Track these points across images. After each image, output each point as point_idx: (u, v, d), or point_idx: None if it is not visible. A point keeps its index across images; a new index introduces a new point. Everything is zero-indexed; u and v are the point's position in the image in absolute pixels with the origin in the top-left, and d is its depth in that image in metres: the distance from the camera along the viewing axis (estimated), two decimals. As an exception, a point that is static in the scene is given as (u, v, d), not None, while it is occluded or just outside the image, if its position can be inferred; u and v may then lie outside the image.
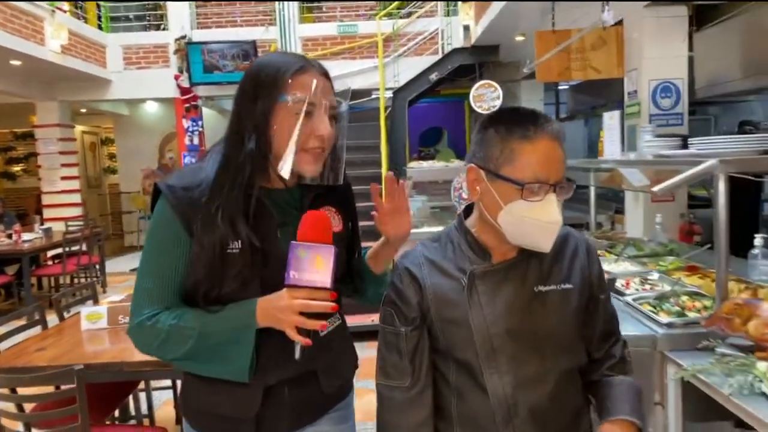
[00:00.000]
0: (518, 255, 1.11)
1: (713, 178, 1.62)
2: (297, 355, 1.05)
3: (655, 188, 1.57)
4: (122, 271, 7.96)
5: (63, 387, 1.95)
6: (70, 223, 6.99)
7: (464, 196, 4.25)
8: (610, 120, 2.60)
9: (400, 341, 1.11)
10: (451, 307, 1.09)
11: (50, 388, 2.22)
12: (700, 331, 1.64)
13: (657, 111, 4.18)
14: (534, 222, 1.02)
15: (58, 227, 6.83)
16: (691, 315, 1.73)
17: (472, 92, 6.29)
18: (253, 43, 7.61)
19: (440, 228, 4.50)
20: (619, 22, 4.40)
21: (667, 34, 4.13)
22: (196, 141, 7.90)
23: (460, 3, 7.16)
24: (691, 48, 4.17)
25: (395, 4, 7.89)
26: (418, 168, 4.49)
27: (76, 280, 6.23)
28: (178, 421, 2.87)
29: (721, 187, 1.59)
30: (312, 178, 1.12)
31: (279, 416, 1.17)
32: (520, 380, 1.07)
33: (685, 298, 1.88)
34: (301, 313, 1.01)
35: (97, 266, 6.56)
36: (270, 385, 1.14)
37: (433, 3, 7.69)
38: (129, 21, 8.44)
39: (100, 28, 7.88)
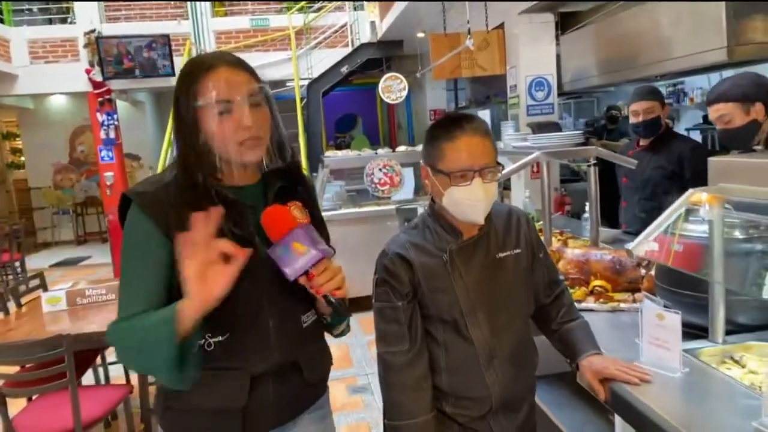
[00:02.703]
0: (480, 231, 1.36)
1: (546, 162, 2.30)
2: (341, 312, 1.15)
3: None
4: (41, 267, 7.92)
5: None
6: (-18, 222, 6.91)
7: (375, 180, 4.84)
8: (483, 118, 3.26)
9: (398, 313, 1.32)
10: (437, 279, 1.32)
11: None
12: (535, 272, 2.32)
13: (533, 102, 4.98)
14: (464, 202, 1.27)
15: (-30, 227, 6.75)
16: (531, 262, 2.42)
17: (381, 84, 6.83)
18: (167, 36, 7.74)
19: (356, 209, 5.08)
20: (501, 26, 5.13)
21: (539, 37, 4.91)
22: (112, 134, 7.93)
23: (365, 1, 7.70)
24: (558, 49, 4.97)
25: (305, 1, 8.30)
26: (334, 157, 5.01)
27: (-2, 278, 6.25)
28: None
29: (544, 168, 2.27)
30: (261, 165, 1.17)
31: (264, 411, 1.19)
32: (495, 328, 1.34)
33: (531, 251, 2.58)
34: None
35: (17, 263, 6.58)
36: (255, 375, 1.16)
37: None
38: (32, 14, 8.24)
39: (1, 21, 7.67)
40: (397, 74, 6.90)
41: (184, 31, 7.99)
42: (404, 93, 6.92)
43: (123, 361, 1.17)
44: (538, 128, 4.43)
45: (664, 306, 1.49)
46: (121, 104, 8.55)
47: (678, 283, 1.63)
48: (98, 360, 3.20)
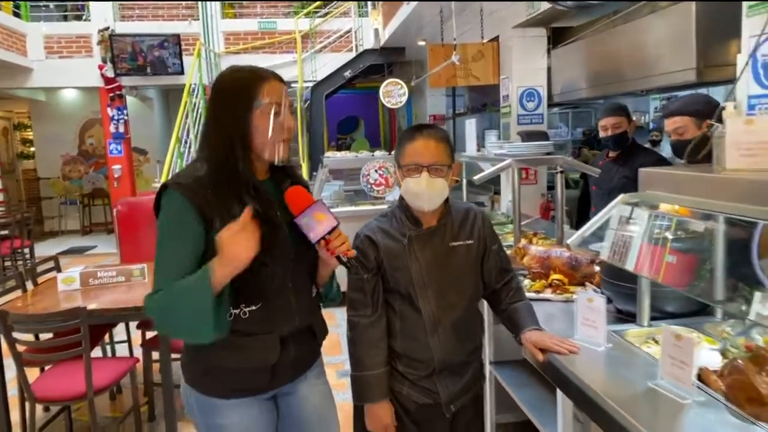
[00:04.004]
0: (438, 222, 1.62)
1: (517, 169, 2.56)
2: (350, 267, 1.40)
3: (475, 177, 2.47)
4: (49, 254, 8.19)
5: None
6: (-6, 209, 7.18)
7: (371, 181, 5.10)
8: (470, 126, 3.52)
9: (364, 284, 1.59)
10: (397, 259, 1.59)
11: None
12: (505, 267, 2.57)
13: (523, 111, 5.23)
14: (412, 191, 1.55)
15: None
16: (502, 258, 2.67)
17: (382, 89, 7.08)
18: (178, 36, 8.02)
19: (352, 208, 5.35)
20: (496, 38, 5.39)
21: (531, 50, 5.17)
22: (121, 129, 8.21)
23: (370, 8, 7.97)
24: (549, 62, 5.23)
25: (313, 6, 8.57)
26: (333, 157, 5.27)
27: (8, 263, 6.52)
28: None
29: (515, 175, 2.52)
30: (283, 161, 1.40)
31: (286, 368, 1.44)
32: (442, 304, 1.59)
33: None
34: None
35: (27, 250, 6.85)
36: (283, 336, 1.40)
37: (347, 4, 8.43)
38: (49, 10, 8.55)
39: (17, 15, 7.97)
40: (398, 80, 7.16)
41: (194, 32, 8.28)
42: (404, 98, 7.17)
43: (162, 326, 1.34)
44: (527, 137, 4.71)
45: (602, 294, 1.75)
46: (130, 100, 8.83)
47: (618, 276, 1.88)
48: (106, 338, 3.47)
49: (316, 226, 1.33)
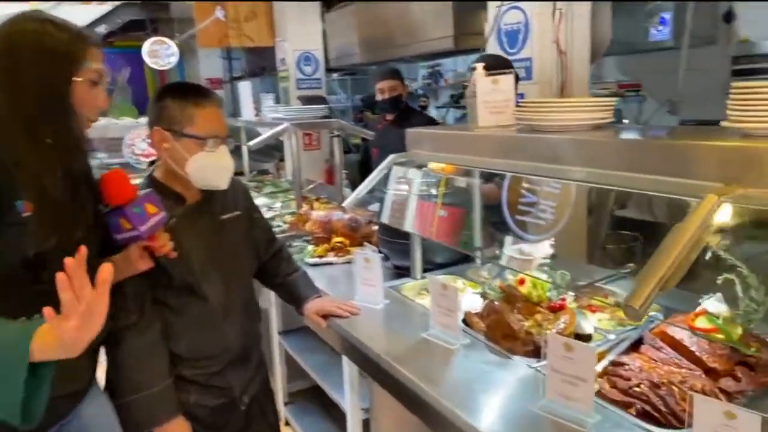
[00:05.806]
0: (203, 196, 1.41)
1: (288, 133, 2.47)
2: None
3: (250, 143, 2.33)
4: None
5: None
6: None
7: (137, 152, 4.55)
8: (245, 89, 3.33)
9: (123, 287, 1.24)
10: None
11: None
12: (289, 234, 2.50)
13: (302, 76, 5.17)
14: (214, 167, 1.34)
15: None
16: (284, 226, 2.60)
17: (145, 48, 6.34)
18: None
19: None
20: (269, -3, 5.18)
21: (306, 12, 5.08)
22: None
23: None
24: (324, 26, 5.21)
25: (49, -57, 7.22)
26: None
27: None
28: None
29: (293, 139, 2.44)
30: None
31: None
32: (229, 285, 1.42)
33: (288, 217, 2.76)
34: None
35: None
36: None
37: (95, -52, 7.29)
38: None
39: None
40: (165, 39, 6.49)
41: None
42: (174, 59, 6.53)
43: None
44: (307, 101, 4.67)
45: (380, 252, 1.79)
46: None
47: (393, 234, 1.95)
48: None
49: (147, 219, 1.12)
